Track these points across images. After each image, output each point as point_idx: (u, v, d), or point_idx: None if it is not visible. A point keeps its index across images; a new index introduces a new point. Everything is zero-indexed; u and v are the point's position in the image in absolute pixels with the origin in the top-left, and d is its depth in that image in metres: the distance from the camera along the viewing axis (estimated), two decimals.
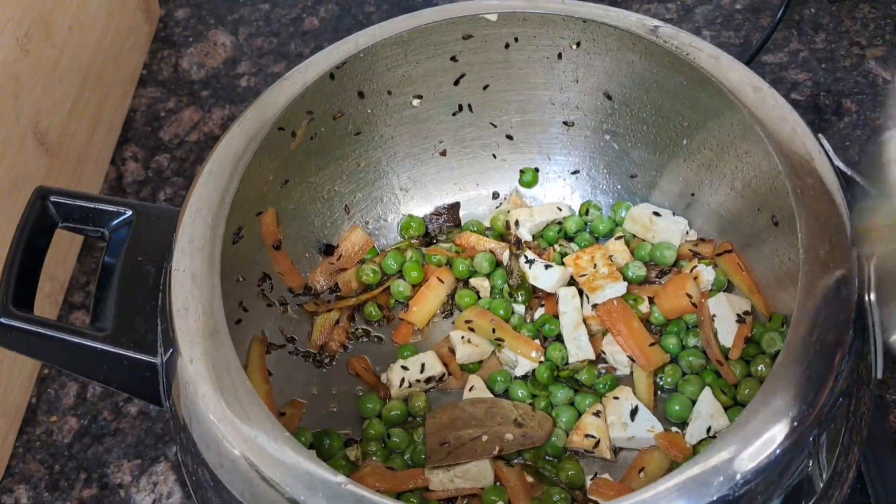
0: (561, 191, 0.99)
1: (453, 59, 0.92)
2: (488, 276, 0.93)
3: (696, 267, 0.89)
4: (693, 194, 0.92)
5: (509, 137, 0.97)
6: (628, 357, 0.87)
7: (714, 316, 0.87)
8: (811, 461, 0.67)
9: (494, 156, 0.98)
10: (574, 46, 0.90)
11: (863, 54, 1.19)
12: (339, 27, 1.28)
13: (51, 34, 1.02)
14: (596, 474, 0.82)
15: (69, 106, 1.06)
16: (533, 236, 0.95)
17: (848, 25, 1.22)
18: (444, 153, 0.97)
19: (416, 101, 0.94)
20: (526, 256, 0.91)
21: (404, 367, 0.88)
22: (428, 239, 0.97)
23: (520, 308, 0.91)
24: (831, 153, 0.78)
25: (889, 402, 0.95)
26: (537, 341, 0.89)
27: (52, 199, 0.80)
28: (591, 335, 0.88)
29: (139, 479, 0.96)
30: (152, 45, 1.28)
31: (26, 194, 0.81)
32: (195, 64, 1.26)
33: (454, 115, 0.95)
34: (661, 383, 0.87)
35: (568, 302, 0.89)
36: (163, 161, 1.18)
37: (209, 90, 1.23)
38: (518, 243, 0.94)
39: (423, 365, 0.88)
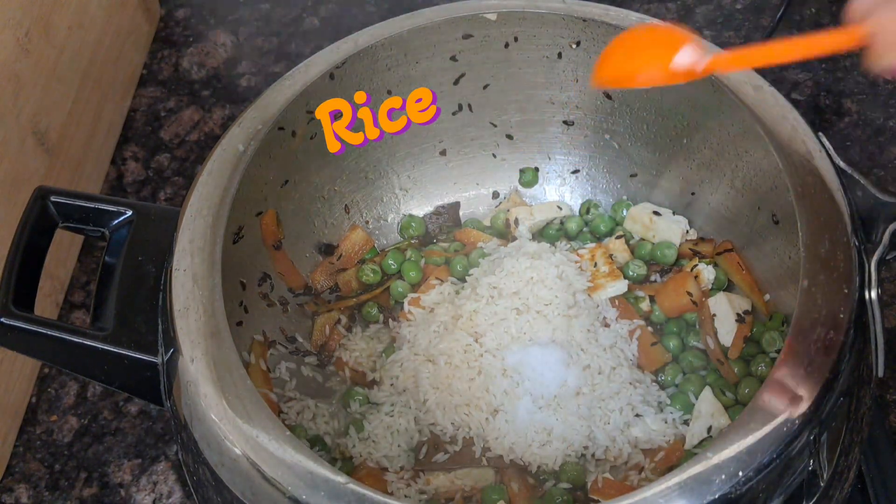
0: (561, 190, 0.99)
1: (453, 58, 0.92)
2: None
3: (696, 266, 0.89)
4: (693, 193, 0.92)
5: (509, 137, 0.97)
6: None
7: (714, 315, 0.87)
8: (812, 460, 0.68)
9: (494, 155, 0.98)
10: (574, 46, 0.90)
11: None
12: (339, 27, 1.28)
13: (51, 34, 1.02)
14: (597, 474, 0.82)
15: (69, 106, 1.06)
16: (532, 235, 0.95)
17: None
18: (443, 153, 0.97)
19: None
20: None
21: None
22: (428, 238, 0.97)
23: None
24: (832, 152, 0.78)
25: (889, 402, 0.95)
26: None
27: (53, 199, 0.80)
28: None
29: (139, 479, 0.96)
30: (152, 44, 1.28)
31: (26, 194, 0.81)
32: (195, 64, 1.26)
33: (454, 114, 0.95)
34: (662, 381, 0.87)
35: None
36: (163, 161, 1.18)
37: (209, 90, 1.23)
38: None
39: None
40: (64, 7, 1.05)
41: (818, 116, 1.14)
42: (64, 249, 1.05)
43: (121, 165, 1.17)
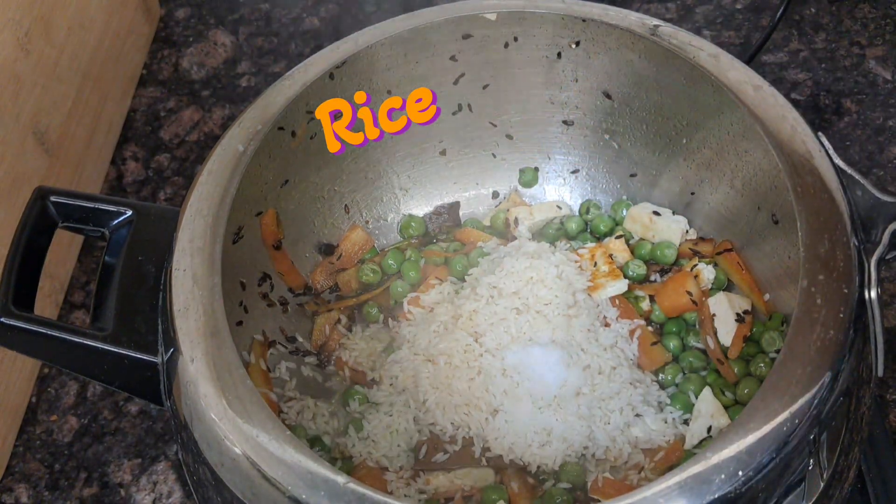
0: (560, 190, 0.99)
1: (453, 58, 0.92)
2: None
3: (696, 266, 0.89)
4: (693, 193, 0.92)
5: (509, 137, 0.97)
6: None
7: (714, 315, 0.86)
8: (812, 460, 0.67)
9: (494, 155, 0.98)
10: (573, 46, 0.90)
11: (863, 54, 1.19)
12: (339, 27, 1.28)
13: (51, 34, 1.02)
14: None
15: (69, 106, 1.06)
16: (532, 234, 0.95)
17: (848, 25, 1.22)
18: (443, 152, 0.97)
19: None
20: None
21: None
22: (428, 238, 0.97)
23: None
24: (831, 152, 0.78)
25: (889, 401, 0.95)
26: None
27: (53, 198, 0.80)
28: None
29: (139, 479, 0.96)
30: (152, 44, 1.28)
31: (26, 194, 0.81)
32: (195, 64, 1.26)
33: (454, 114, 0.95)
34: (662, 381, 0.87)
35: None
36: (163, 161, 1.18)
37: (209, 90, 1.23)
38: None
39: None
40: (64, 7, 1.05)
41: (818, 116, 1.14)
42: (64, 249, 1.05)
43: (121, 165, 1.17)
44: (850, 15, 1.23)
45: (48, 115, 1.02)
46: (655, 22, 0.87)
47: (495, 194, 0.99)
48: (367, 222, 0.97)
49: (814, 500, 0.70)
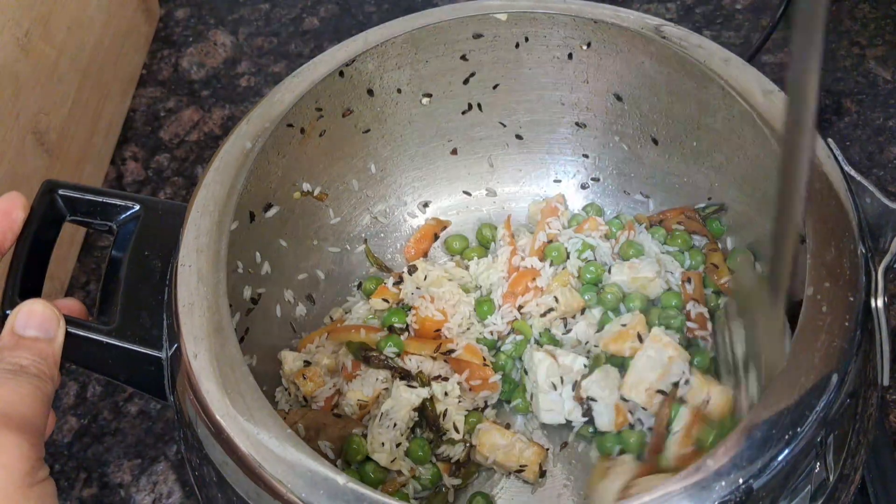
0: (573, 196, 0.99)
1: (463, 57, 0.92)
2: None
3: None
4: (710, 198, 0.92)
5: (519, 137, 0.97)
6: None
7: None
8: (818, 463, 0.67)
9: (505, 147, 0.99)
10: (584, 47, 0.90)
11: (863, 54, 1.19)
12: (339, 27, 1.28)
13: (50, 34, 1.02)
14: None
15: (69, 106, 1.06)
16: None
17: (848, 25, 1.22)
18: (454, 152, 0.97)
19: (425, 100, 0.94)
20: None
21: None
22: None
23: None
24: (840, 158, 0.77)
25: (889, 402, 0.95)
26: None
27: (61, 192, 0.80)
28: None
29: (139, 479, 0.95)
30: (152, 44, 1.27)
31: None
32: (195, 64, 1.26)
33: (463, 113, 0.95)
34: None
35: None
36: (163, 161, 1.17)
37: (209, 90, 1.23)
38: None
39: None
40: (64, 7, 1.05)
41: (818, 116, 1.14)
42: (64, 250, 1.05)
43: (120, 165, 1.17)
44: (850, 15, 1.23)
45: (48, 115, 1.02)
46: (661, 22, 0.87)
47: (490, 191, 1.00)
48: (375, 217, 0.97)
49: (820, 502, 0.70)
